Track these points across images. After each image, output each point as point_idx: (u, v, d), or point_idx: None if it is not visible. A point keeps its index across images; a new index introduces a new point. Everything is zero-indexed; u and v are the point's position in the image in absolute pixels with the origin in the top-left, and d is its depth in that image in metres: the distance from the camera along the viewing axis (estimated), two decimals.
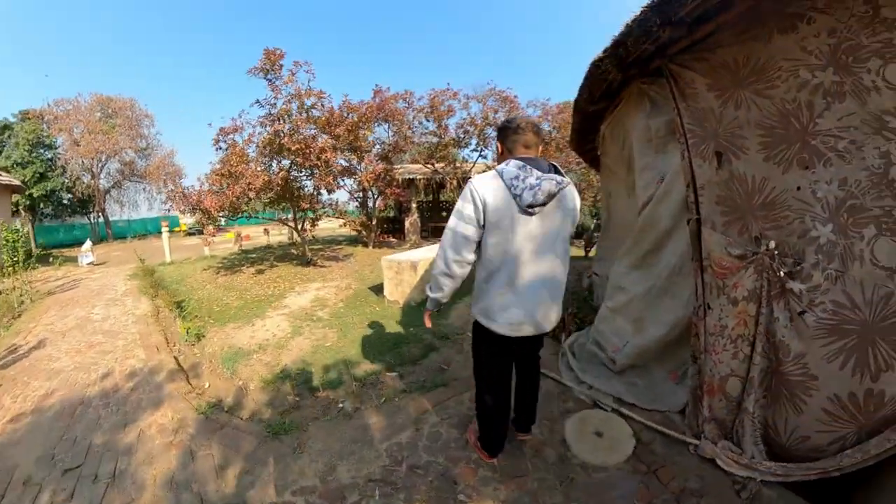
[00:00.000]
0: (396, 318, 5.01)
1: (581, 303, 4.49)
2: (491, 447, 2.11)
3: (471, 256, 1.70)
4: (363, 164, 8.97)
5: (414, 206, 13.22)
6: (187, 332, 4.55)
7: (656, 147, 2.83)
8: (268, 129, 7.91)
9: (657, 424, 2.55)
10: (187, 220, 20.81)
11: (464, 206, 1.65)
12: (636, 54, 2.50)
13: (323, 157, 7.48)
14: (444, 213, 16.88)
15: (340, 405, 2.94)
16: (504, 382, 1.98)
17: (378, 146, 11.47)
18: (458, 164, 11.01)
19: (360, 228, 12.24)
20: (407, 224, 13.44)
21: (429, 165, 11.13)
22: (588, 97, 3.35)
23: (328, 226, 16.99)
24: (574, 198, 1.77)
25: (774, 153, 2.16)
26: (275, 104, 8.04)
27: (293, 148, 7.32)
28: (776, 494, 1.96)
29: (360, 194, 12.65)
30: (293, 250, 11.07)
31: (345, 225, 12.26)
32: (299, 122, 7.69)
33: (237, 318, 5.39)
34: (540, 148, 1.78)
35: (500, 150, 1.81)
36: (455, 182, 11.32)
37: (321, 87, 8.19)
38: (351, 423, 2.66)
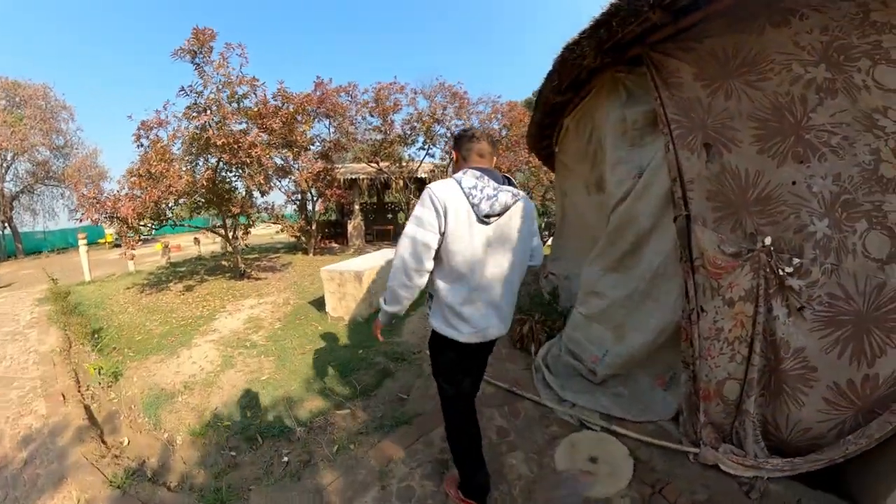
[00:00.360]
0: (343, 338, 4.48)
1: (545, 307, 4.14)
2: (472, 490, 1.90)
3: (430, 265, 1.64)
4: (300, 163, 8.14)
5: (357, 208, 12.57)
6: (99, 372, 3.74)
7: (632, 139, 2.67)
8: (194, 122, 6.95)
9: (652, 438, 2.38)
10: (114, 231, 17.91)
11: (423, 212, 1.60)
12: (618, 38, 2.31)
13: (254, 153, 6.63)
14: (390, 216, 16.39)
15: (285, 459, 2.45)
16: (471, 398, 1.95)
17: (318, 143, 10.75)
18: (404, 163, 10.55)
19: (298, 234, 11.41)
20: (350, 228, 12.76)
21: (373, 165, 10.56)
22: (555, 86, 3.14)
23: (265, 232, 15.81)
24: (530, 210, 1.79)
25: (769, 146, 2.07)
26: (202, 93, 7.06)
27: (219, 143, 6.48)
28: (782, 488, 1.96)
29: (299, 196, 11.81)
30: (225, 262, 10.04)
31: (282, 231, 11.39)
32: (228, 114, 6.82)
33: (161, 349, 4.61)
34: (494, 159, 1.80)
35: (455, 158, 1.82)
36: (401, 182, 10.89)
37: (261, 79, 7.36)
38: (300, 486, 2.19)
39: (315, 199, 11.21)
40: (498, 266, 1.70)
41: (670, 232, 2.38)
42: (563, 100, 3.44)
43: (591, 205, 4.18)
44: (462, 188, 1.60)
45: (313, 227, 11.52)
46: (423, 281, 1.66)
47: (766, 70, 2.03)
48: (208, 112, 6.94)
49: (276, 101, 7.33)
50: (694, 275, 2.23)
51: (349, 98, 9.65)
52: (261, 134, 6.94)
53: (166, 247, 12.00)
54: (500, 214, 1.63)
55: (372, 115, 9.73)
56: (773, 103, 2.03)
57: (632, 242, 2.58)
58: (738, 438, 2.16)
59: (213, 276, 8.98)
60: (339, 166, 11.86)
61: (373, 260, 5.62)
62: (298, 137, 7.52)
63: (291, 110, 7.40)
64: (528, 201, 1.77)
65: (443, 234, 1.60)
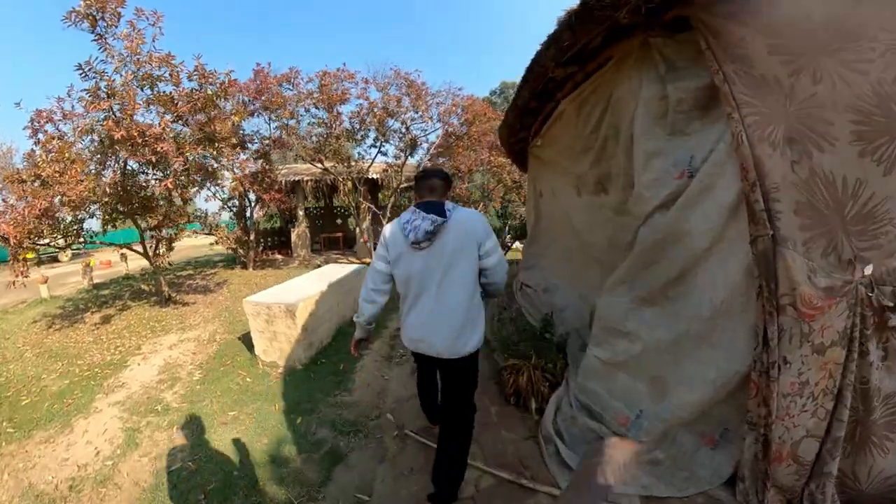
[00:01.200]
0: (275, 398, 3.54)
1: (538, 342, 3.36)
2: (429, 414, 2.59)
3: (385, 286, 2.10)
4: (226, 161, 6.86)
5: (301, 214, 11.42)
6: None
7: (674, 125, 2.08)
8: (95, 111, 5.59)
9: None
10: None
11: (378, 248, 2.10)
12: None
13: (159, 148, 5.38)
14: (339, 221, 15.27)
15: None
16: (429, 388, 2.44)
17: (257, 141, 9.55)
18: (353, 163, 9.59)
19: (234, 246, 10.16)
20: (293, 236, 11.56)
21: (317, 164, 9.44)
22: (562, 50, 2.45)
23: (203, 242, 14.11)
24: (465, 228, 1.89)
25: (873, 147, 1.54)
26: (105, 73, 5.64)
27: (117, 136, 5.25)
28: None
29: (236, 202, 10.53)
30: (145, 285, 8.63)
31: (217, 242, 10.10)
32: (131, 99, 5.53)
33: (51, 419, 3.47)
34: (445, 190, 2.01)
35: (415, 197, 2.05)
36: (349, 183, 9.92)
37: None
38: None
39: (253, 204, 10.00)
40: (436, 289, 1.89)
41: (739, 256, 1.81)
42: (563, 74, 2.78)
43: (583, 207, 3.61)
44: (400, 223, 1.95)
45: (251, 238, 10.30)
46: (382, 299, 2.11)
47: (866, 50, 1.52)
48: (111, 98, 5.62)
49: (192, 81, 6.01)
50: (778, 316, 1.66)
51: (291, 88, 8.48)
52: (170, 124, 5.71)
53: (88, 266, 10.27)
54: (428, 240, 1.85)
55: (317, 107, 8.62)
56: (876, 92, 1.52)
57: (681, 267, 1.97)
58: (811, 499, 1.84)
59: (138, 300, 7.80)
60: (280, 167, 10.69)
61: (311, 284, 4.54)
62: (218, 126, 6.18)
63: (211, 94, 6.11)
64: (468, 221, 1.90)
65: (390, 263, 2.02)
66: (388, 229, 2.03)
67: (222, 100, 6.22)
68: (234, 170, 7.73)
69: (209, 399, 3.62)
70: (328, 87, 7.92)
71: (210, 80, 5.87)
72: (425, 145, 9.62)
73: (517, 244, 11.04)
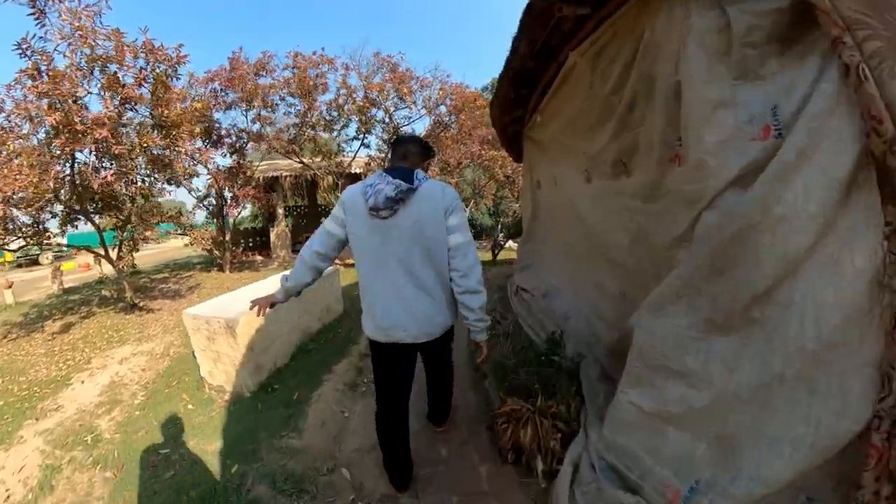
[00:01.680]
0: (215, 433, 2.87)
1: (545, 370, 2.58)
2: (390, 471, 2.02)
3: (332, 253, 1.82)
4: (183, 151, 5.99)
5: (281, 212, 10.67)
6: None
7: (743, 66, 1.40)
8: (33, 95, 4.84)
9: None
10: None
11: (335, 209, 1.81)
12: None
13: (98, 135, 4.61)
14: (324, 220, 14.53)
15: None
16: (391, 395, 1.91)
17: (233, 135, 8.80)
18: (333, 157, 8.75)
19: (210, 248, 9.44)
20: (272, 236, 10.81)
21: (292, 157, 8.58)
22: None
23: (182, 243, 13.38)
24: (434, 197, 1.68)
25: None
26: (44, 50, 4.86)
27: (50, 122, 4.53)
28: None
29: (212, 200, 9.79)
30: (107, 291, 7.93)
31: (192, 243, 9.41)
32: (71, 81, 4.77)
33: None
34: (422, 161, 1.84)
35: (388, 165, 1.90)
36: (330, 179, 9.16)
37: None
38: None
39: (228, 202, 9.27)
40: (398, 260, 1.68)
41: (861, 256, 1.14)
42: (573, 14, 2.05)
43: (593, 196, 2.96)
44: (363, 186, 1.70)
45: (226, 238, 9.57)
46: (322, 265, 1.84)
47: None
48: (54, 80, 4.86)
49: (139, 59, 5.20)
50: None
51: (266, 76, 7.69)
52: (112, 107, 4.94)
53: (58, 270, 9.54)
54: (389, 208, 1.62)
55: (292, 96, 7.86)
56: None
57: (772, 274, 1.26)
58: None
59: (104, 307, 7.26)
60: (259, 162, 9.95)
61: (269, 291, 3.72)
62: (164, 110, 5.34)
63: (160, 73, 5.28)
64: (434, 191, 1.70)
65: (345, 227, 1.75)
66: (348, 190, 1.78)
67: (174, 79, 5.45)
68: (204, 164, 6.98)
69: (145, 430, 3.02)
70: (302, 71, 7.14)
71: (159, 56, 5.10)
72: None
73: (511, 243, 10.36)
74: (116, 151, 4.75)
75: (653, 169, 2.08)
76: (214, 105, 8.62)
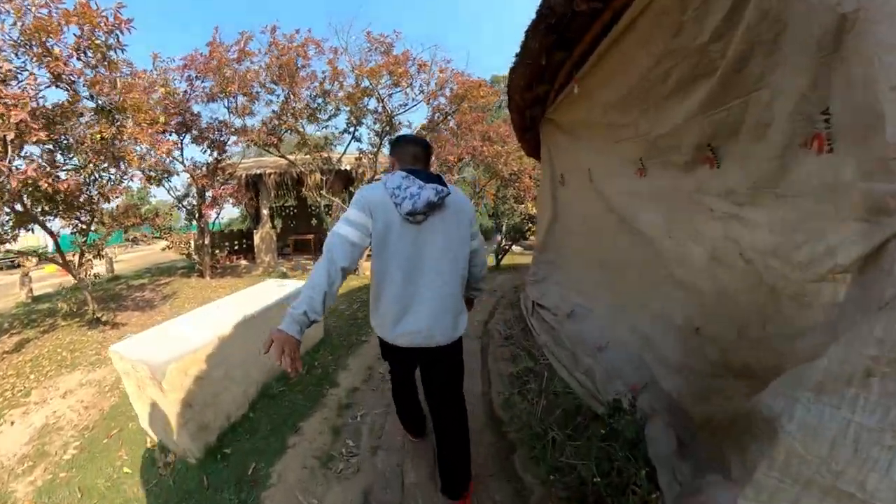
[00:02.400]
0: None
1: (598, 440, 1.85)
2: (410, 426, 2.25)
3: (354, 264, 1.58)
4: (133, 141, 5.12)
5: (266, 213, 9.89)
6: None
7: None
8: None
9: None
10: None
11: (352, 212, 1.60)
12: None
13: (13, 118, 3.69)
14: (315, 221, 13.78)
15: None
16: (410, 384, 2.09)
17: (215, 129, 8.04)
18: (320, 151, 7.88)
19: (187, 252, 8.73)
20: (256, 239, 10.02)
21: (271, 149, 7.64)
22: None
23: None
24: (463, 205, 1.75)
25: None
26: None
27: None
28: None
29: (193, 201, 9.03)
30: (64, 303, 7.18)
31: (169, 247, 8.71)
32: None
33: None
34: (430, 163, 1.83)
35: (392, 163, 1.81)
36: (317, 176, 8.41)
37: None
38: None
39: (204, 201, 8.53)
40: (431, 267, 1.65)
41: None
42: None
43: (652, 195, 2.28)
44: (387, 189, 1.60)
45: (205, 241, 8.84)
46: (337, 279, 1.53)
47: None
48: None
49: (71, 26, 4.34)
50: None
51: (246, 60, 6.89)
52: (34, 86, 4.12)
53: (26, 276, 8.76)
54: (424, 213, 1.59)
55: (274, 83, 7.09)
56: None
57: None
58: None
59: (70, 319, 6.55)
60: (241, 160, 9.21)
61: (221, 318, 2.86)
62: (105, 89, 4.54)
63: (101, 42, 4.40)
64: (459, 198, 1.74)
65: (370, 236, 1.60)
66: (370, 192, 1.62)
67: (117, 51, 4.64)
68: (167, 156, 6.21)
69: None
70: (282, 51, 6.33)
71: (93, 20, 4.24)
72: (405, 130, 8.18)
73: (514, 247, 9.65)
74: (34, 139, 3.96)
75: (766, 156, 1.40)
76: (192, 97, 7.89)
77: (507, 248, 8.84)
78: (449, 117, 7.53)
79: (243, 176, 8.98)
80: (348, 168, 8.94)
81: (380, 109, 6.83)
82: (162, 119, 5.61)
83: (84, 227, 6.36)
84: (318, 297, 1.44)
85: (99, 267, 12.56)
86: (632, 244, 2.50)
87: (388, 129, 6.92)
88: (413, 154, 1.74)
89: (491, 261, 10.58)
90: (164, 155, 5.64)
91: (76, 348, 5.33)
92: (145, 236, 9.08)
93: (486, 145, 9.31)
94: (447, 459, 1.82)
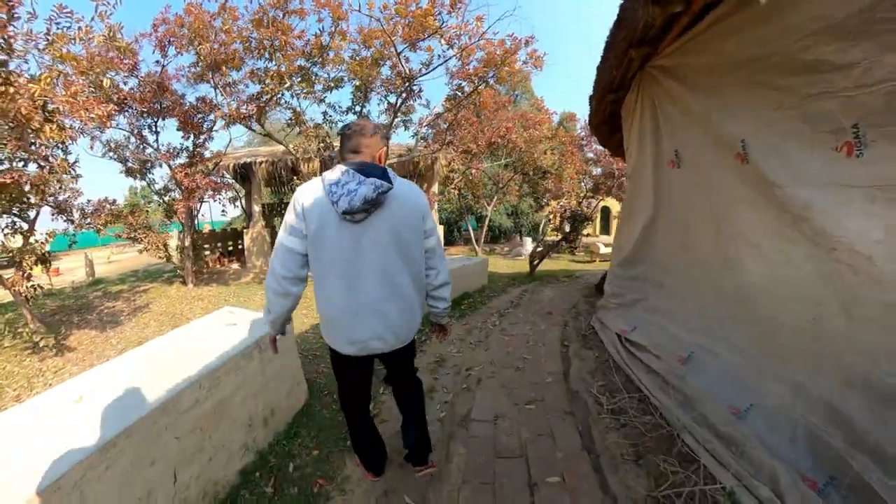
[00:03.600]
0: None
1: None
2: (371, 460, 1.97)
3: (303, 272, 1.56)
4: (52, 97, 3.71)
5: (258, 209, 8.53)
6: None
7: None
8: None
9: None
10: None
11: (288, 215, 1.54)
12: None
13: None
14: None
15: None
16: (359, 399, 1.85)
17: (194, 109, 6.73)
18: (317, 130, 6.23)
19: (166, 255, 7.49)
20: (247, 240, 8.65)
21: (247, 122, 5.89)
22: None
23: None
24: (411, 199, 1.59)
25: None
26: None
27: None
28: None
29: (177, 194, 7.75)
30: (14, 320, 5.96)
31: (147, 249, 7.51)
32: None
33: None
34: (379, 150, 1.60)
35: (339, 157, 1.63)
36: (316, 164, 7.05)
37: None
38: None
39: (176, 194, 7.25)
40: (376, 269, 1.52)
41: None
42: None
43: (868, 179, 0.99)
44: (324, 186, 1.48)
45: (187, 244, 7.57)
46: (297, 289, 1.57)
47: None
48: None
49: None
50: None
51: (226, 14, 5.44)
52: None
53: None
54: (365, 211, 1.45)
55: (261, 48, 5.44)
56: None
57: None
58: None
59: (15, 339, 5.30)
60: (228, 149, 7.89)
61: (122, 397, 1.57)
62: None
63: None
64: (407, 191, 1.59)
65: (307, 237, 1.51)
66: (304, 193, 1.52)
67: None
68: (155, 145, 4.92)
69: None
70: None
71: None
72: (422, 110, 6.73)
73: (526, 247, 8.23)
74: None
75: None
76: (171, 75, 6.59)
77: (545, 253, 7.43)
78: (479, 86, 5.89)
79: (231, 166, 7.69)
80: None
81: (394, 76, 5.34)
82: (105, 82, 4.33)
83: (23, 224, 5.14)
84: (279, 320, 1.62)
85: (78, 271, 11.57)
86: (811, 262, 1.69)
87: (404, 98, 5.41)
88: (354, 145, 1.57)
89: (514, 267, 9.25)
90: (101, 125, 4.32)
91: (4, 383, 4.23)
92: (118, 237, 7.89)
93: (518, 132, 7.98)
94: (414, 431, 1.91)
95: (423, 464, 1.94)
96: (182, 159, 7.13)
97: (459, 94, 6.12)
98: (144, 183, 8.36)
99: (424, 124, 6.48)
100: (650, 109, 3.15)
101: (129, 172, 8.04)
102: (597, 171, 10.43)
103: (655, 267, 3.28)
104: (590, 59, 3.53)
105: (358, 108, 5.91)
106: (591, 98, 3.79)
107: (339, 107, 6.17)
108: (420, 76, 4.89)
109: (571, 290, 6.14)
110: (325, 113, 5.87)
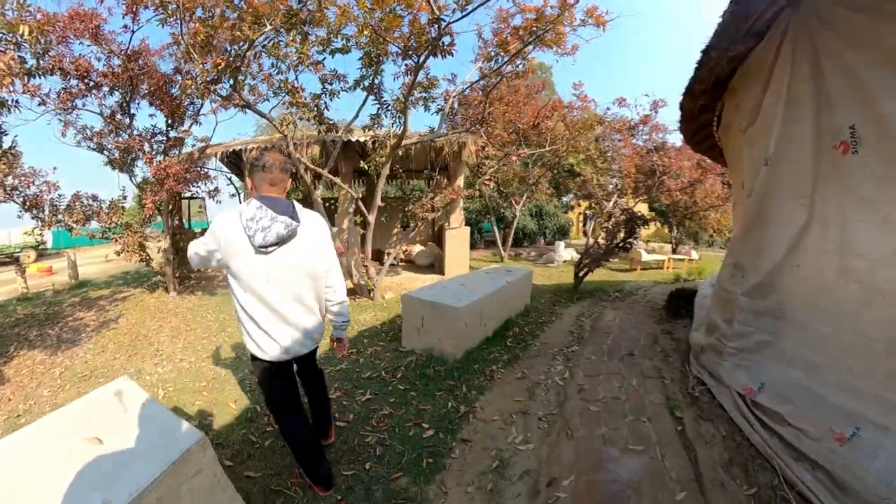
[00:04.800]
0: None
1: None
2: (315, 472, 2.21)
3: (212, 259, 1.83)
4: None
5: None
6: None
7: None
8: None
9: None
10: None
11: (206, 238, 1.82)
12: None
13: None
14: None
15: None
16: (290, 404, 2.12)
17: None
18: (313, 101, 4.99)
19: (145, 257, 6.69)
20: None
21: (214, 91, 4.49)
22: None
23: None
24: (315, 231, 1.92)
25: None
26: None
27: None
28: None
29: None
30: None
31: (122, 252, 6.70)
32: None
33: None
34: (287, 183, 1.92)
35: (249, 186, 1.91)
36: (315, 150, 6.19)
37: None
38: None
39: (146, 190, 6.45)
40: (289, 293, 1.86)
41: None
42: None
43: None
44: (241, 220, 1.73)
45: (167, 245, 6.75)
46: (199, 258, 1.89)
47: None
48: None
49: None
50: None
51: None
52: None
53: None
54: (277, 244, 1.75)
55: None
56: None
57: None
58: None
59: None
60: (228, 142, 7.09)
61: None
62: None
63: None
64: (312, 223, 1.91)
65: (220, 262, 1.81)
66: (222, 223, 1.78)
67: None
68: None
69: None
70: None
71: None
72: (445, 84, 5.53)
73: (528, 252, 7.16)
74: None
75: None
76: (158, 51, 5.77)
77: (596, 262, 6.33)
78: (529, 43, 4.73)
79: (218, 154, 6.86)
80: (361, 140, 6.41)
81: (409, 37, 4.22)
82: (22, 29, 3.44)
83: None
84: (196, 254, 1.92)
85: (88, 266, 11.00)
86: None
87: (429, 52, 4.10)
88: (269, 180, 1.82)
89: (550, 277, 8.19)
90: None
91: None
92: (92, 237, 7.12)
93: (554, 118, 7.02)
94: (321, 413, 2.45)
95: (328, 435, 2.52)
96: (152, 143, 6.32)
97: (501, 57, 4.99)
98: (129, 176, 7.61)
99: (454, 95, 5.42)
100: (808, 65, 2.17)
101: (111, 164, 7.29)
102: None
103: (797, 297, 2.34)
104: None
105: (367, 81, 4.85)
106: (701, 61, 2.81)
107: (345, 78, 4.97)
108: (454, 19, 3.78)
109: (637, 314, 5.20)
110: (324, 82, 4.78)
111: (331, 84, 4.60)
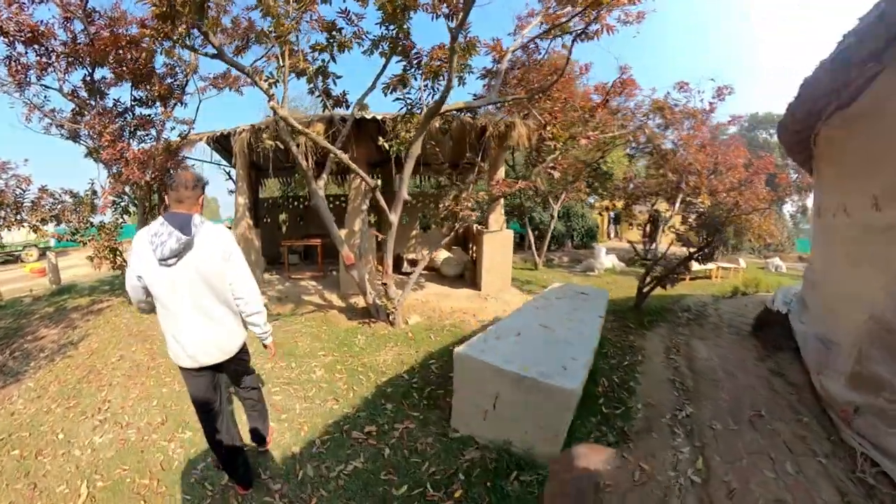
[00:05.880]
0: None
1: None
2: (236, 471, 2.44)
3: (148, 298, 2.06)
4: None
5: (242, 202, 6.48)
6: None
7: None
8: None
9: None
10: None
11: (130, 261, 2.02)
12: None
13: None
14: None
15: None
16: (207, 408, 2.28)
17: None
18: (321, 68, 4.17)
19: (119, 265, 5.89)
20: None
21: (203, 45, 3.60)
22: None
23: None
24: (213, 243, 2.02)
25: None
26: None
27: None
28: None
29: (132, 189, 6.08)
30: None
31: (95, 256, 5.94)
32: None
33: None
34: (198, 199, 2.09)
35: (166, 202, 2.21)
36: (319, 129, 5.07)
37: None
38: None
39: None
40: (192, 304, 2.02)
41: None
42: None
43: None
44: (148, 236, 1.94)
45: None
46: (150, 308, 2.13)
47: None
48: None
49: None
50: None
51: None
52: None
53: None
54: (175, 256, 1.92)
55: None
56: None
57: None
58: None
59: None
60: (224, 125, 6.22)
61: None
62: None
63: None
64: (212, 235, 2.02)
65: (140, 277, 1.99)
66: (139, 238, 2.00)
67: None
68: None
69: None
70: None
71: None
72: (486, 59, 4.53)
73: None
74: None
75: None
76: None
77: (672, 276, 5.18)
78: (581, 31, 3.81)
79: (205, 140, 5.94)
80: (379, 118, 5.30)
81: None
82: None
83: None
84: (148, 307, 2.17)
85: (75, 270, 10.32)
86: None
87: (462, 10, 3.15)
88: (176, 198, 2.02)
89: (612, 293, 7.00)
90: None
91: None
92: (59, 239, 6.39)
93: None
94: (254, 421, 2.65)
95: (264, 441, 2.76)
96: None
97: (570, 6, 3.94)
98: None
99: (511, 50, 4.31)
100: None
101: (91, 154, 6.45)
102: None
103: None
104: None
105: (386, 44, 3.83)
106: None
107: (360, 21, 3.77)
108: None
109: (729, 345, 4.28)
110: (330, 30, 3.68)
111: (343, 37, 3.54)
